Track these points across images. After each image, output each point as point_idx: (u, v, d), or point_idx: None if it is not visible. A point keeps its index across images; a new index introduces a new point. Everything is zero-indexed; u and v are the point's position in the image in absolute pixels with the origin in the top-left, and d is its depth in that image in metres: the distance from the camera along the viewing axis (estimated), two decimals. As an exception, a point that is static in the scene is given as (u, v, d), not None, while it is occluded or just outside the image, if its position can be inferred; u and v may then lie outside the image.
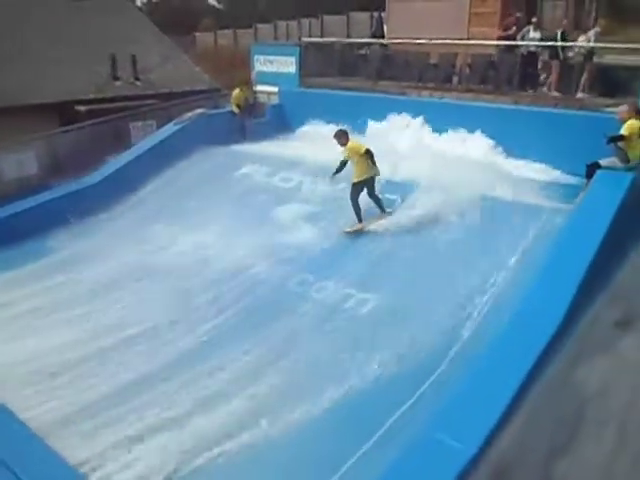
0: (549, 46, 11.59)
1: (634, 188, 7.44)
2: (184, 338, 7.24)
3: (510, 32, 12.29)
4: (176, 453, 5.39)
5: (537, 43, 11.71)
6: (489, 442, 3.53)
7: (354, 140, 9.07)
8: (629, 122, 7.76)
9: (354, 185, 8.92)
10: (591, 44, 11.16)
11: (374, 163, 8.78)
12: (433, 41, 12.89)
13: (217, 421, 5.78)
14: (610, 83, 10.90)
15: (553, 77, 11.54)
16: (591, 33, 11.40)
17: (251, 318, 7.53)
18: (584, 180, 8.16)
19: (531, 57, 11.85)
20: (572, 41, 11.52)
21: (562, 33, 11.46)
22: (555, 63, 11.49)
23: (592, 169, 7.99)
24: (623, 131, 7.70)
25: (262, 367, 6.57)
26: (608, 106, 9.96)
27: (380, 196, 9.10)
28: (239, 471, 5.27)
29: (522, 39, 11.92)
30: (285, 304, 7.76)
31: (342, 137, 8.97)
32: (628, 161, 7.78)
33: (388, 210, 9.12)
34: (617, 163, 7.82)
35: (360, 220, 9.02)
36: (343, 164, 8.92)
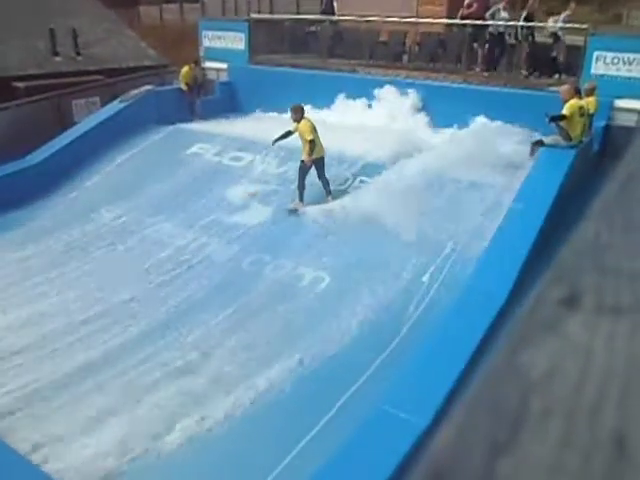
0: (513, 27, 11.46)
1: (576, 165, 7.69)
2: (139, 322, 7.10)
3: (472, 10, 11.92)
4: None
5: (506, 23, 11.46)
6: (430, 430, 3.62)
7: (308, 118, 8.85)
8: (570, 102, 7.98)
9: (304, 162, 8.76)
10: (559, 25, 11.23)
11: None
12: (383, 19, 12.86)
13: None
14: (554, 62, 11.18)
15: (523, 58, 11.49)
16: (561, 16, 11.43)
17: (207, 297, 7.47)
18: (528, 157, 8.38)
19: (499, 37, 11.57)
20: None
21: (527, 15, 11.46)
22: (523, 45, 11.45)
23: (536, 147, 8.21)
24: (565, 111, 7.92)
25: (214, 348, 6.54)
26: (550, 85, 10.23)
27: (328, 177, 9.02)
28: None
29: (492, 18, 11.62)
30: (240, 284, 7.71)
31: (297, 112, 8.75)
32: (570, 139, 8.01)
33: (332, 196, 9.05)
34: (560, 141, 8.04)
35: (301, 200, 8.93)
36: (289, 133, 8.80)
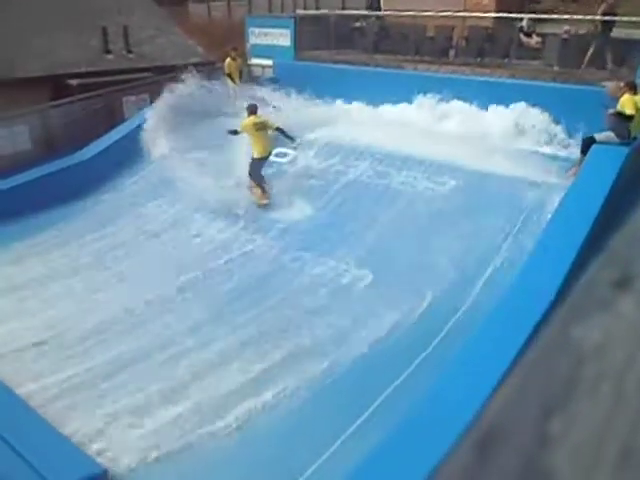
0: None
1: (630, 162, 7.44)
2: (186, 314, 7.28)
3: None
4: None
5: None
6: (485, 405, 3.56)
7: (260, 115, 9.45)
8: (626, 97, 7.73)
9: (256, 160, 9.34)
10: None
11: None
12: (429, 13, 12.73)
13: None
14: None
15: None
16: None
17: (249, 292, 7.59)
18: (580, 155, 8.16)
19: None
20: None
21: None
22: None
23: (587, 144, 7.98)
24: (628, 111, 7.63)
25: (256, 344, 6.63)
26: (603, 80, 9.89)
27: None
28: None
29: None
30: (281, 279, 7.80)
31: (250, 109, 9.46)
32: (627, 136, 7.76)
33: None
34: (613, 137, 7.80)
35: (264, 191, 9.49)
36: (235, 132, 9.50)
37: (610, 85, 8.07)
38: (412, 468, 3.29)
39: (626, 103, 7.67)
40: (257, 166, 9.38)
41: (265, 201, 9.47)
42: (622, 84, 8.01)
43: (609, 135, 7.82)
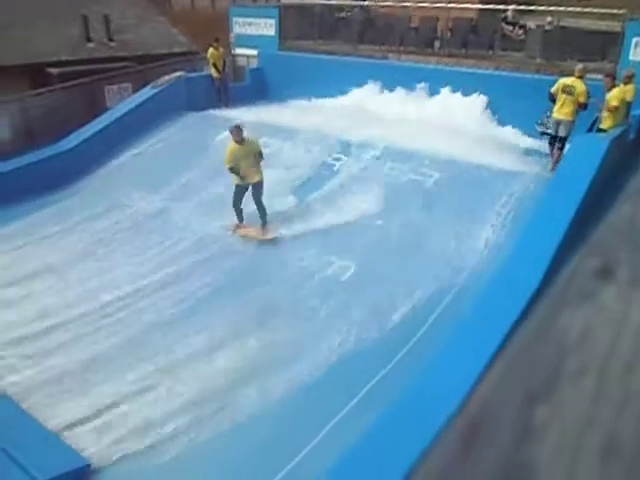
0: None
1: (611, 153, 7.53)
2: (161, 309, 7.24)
3: None
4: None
5: None
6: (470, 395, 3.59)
7: (251, 140, 8.33)
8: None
9: (238, 187, 8.32)
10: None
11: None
12: (414, 4, 12.72)
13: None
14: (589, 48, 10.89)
15: None
16: None
17: (232, 284, 7.57)
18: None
19: None
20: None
21: None
22: None
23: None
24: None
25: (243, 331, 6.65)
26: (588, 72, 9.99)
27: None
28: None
29: None
30: (266, 270, 7.79)
31: (237, 133, 8.17)
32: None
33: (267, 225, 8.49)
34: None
35: (241, 220, 8.58)
36: (232, 170, 8.20)
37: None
38: (396, 459, 3.32)
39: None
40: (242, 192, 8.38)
41: (270, 235, 8.35)
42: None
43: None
